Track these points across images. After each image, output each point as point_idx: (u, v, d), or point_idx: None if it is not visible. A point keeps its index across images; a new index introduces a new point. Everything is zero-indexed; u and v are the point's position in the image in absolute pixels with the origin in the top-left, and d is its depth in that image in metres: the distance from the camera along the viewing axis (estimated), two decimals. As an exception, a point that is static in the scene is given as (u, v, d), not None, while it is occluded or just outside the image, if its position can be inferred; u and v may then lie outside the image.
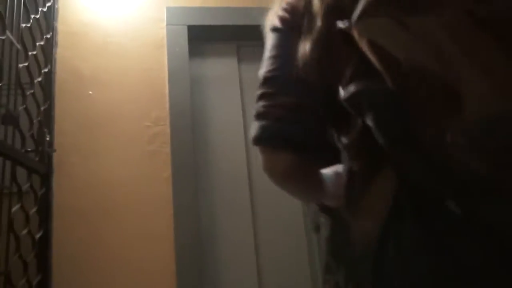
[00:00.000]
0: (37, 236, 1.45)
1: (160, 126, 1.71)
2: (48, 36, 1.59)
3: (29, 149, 1.44)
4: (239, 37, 2.04)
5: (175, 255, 1.59)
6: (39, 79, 1.48)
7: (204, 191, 1.83)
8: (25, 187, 1.37)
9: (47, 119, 1.55)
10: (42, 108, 1.51)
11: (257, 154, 0.66)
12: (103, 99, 1.69)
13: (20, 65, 1.31)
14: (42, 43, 1.53)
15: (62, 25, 1.70)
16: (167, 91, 1.75)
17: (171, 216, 1.63)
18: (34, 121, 1.44)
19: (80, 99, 1.67)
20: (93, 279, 1.55)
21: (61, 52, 1.66)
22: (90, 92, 1.68)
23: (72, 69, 1.68)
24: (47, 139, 1.53)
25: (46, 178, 1.52)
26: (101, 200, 1.62)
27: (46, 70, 1.55)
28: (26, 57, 1.35)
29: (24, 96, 1.36)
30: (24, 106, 1.35)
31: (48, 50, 1.58)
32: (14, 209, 1.29)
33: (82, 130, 1.64)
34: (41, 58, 1.50)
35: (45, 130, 1.53)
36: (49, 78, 1.57)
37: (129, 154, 1.66)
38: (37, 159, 1.48)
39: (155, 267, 1.58)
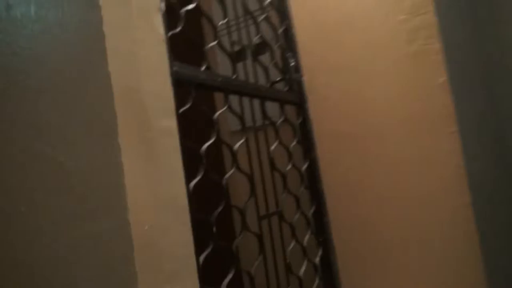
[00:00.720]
0: (303, 168, 1.39)
1: (420, 15, 1.27)
2: None
3: (276, 80, 1.34)
4: None
5: (467, 182, 1.21)
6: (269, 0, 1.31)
7: (498, 95, 1.30)
8: (280, 121, 1.29)
9: (288, 42, 1.40)
10: (280, 31, 1.36)
11: None
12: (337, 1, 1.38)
13: (243, -9, 1.17)
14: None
15: None
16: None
17: (454, 132, 1.23)
18: (275, 48, 1.31)
19: (314, 9, 1.42)
20: (365, 200, 1.40)
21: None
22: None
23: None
24: (293, 64, 1.39)
25: (300, 106, 1.41)
26: (362, 121, 1.39)
27: (275, -13, 1.37)
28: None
29: (257, 24, 1.23)
30: (259, 35, 1.23)
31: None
32: (273, 146, 1.24)
33: (326, 45, 1.41)
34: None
35: (289, 54, 1.39)
36: (280, -5, 1.39)
37: (385, 61, 1.33)
38: (286, 88, 1.37)
39: (438, 198, 1.26)
